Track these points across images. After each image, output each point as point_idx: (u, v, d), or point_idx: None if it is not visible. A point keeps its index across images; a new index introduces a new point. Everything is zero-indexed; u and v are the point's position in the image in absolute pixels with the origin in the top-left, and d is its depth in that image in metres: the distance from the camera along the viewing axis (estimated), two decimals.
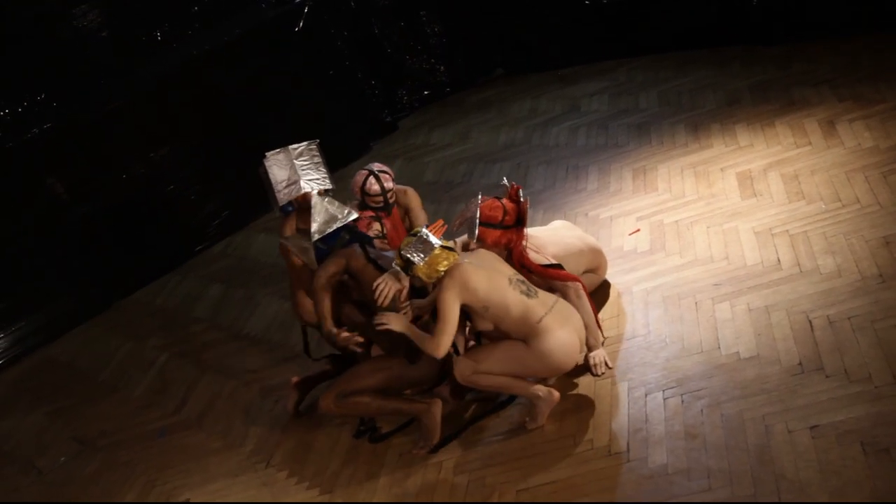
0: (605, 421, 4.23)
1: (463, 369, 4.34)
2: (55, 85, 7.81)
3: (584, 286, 4.68)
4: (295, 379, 5.26)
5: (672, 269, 5.19)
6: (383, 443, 4.72)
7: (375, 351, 4.85)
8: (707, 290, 4.85)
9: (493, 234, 4.58)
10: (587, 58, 9.08)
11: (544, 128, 8.07)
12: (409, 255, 4.27)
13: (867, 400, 3.70)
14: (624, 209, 6.06)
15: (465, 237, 4.92)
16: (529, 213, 6.36)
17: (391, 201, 5.26)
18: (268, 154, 5.10)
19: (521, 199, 4.63)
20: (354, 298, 4.84)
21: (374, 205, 5.19)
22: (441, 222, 4.52)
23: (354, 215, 4.91)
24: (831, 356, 4.02)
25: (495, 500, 4.03)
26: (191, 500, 4.89)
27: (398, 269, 4.37)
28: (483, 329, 4.39)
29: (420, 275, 4.27)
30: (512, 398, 4.61)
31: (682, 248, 5.34)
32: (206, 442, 5.41)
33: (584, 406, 4.38)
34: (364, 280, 4.62)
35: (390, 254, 4.72)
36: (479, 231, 4.56)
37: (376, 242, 4.90)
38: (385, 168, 5.31)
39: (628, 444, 4.02)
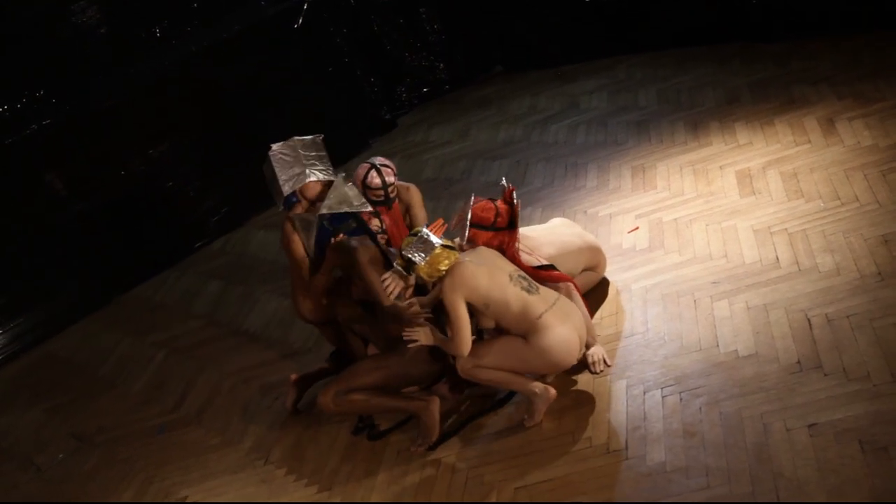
0: (603, 418, 4.23)
1: (464, 362, 4.36)
2: (54, 82, 7.82)
3: (576, 286, 4.67)
4: (294, 376, 5.26)
5: (671, 266, 5.18)
6: (381, 440, 4.72)
7: (372, 350, 4.86)
8: (706, 288, 4.85)
9: (485, 236, 4.55)
10: (586, 55, 9.08)
11: (543, 125, 8.06)
12: (410, 255, 4.29)
13: (865, 398, 3.70)
14: (623, 207, 6.06)
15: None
16: (528, 210, 6.42)
17: (392, 196, 5.26)
18: (273, 146, 5.08)
19: (515, 202, 4.61)
20: (353, 293, 4.84)
21: (374, 198, 5.17)
22: (441, 221, 4.52)
23: (367, 207, 4.90)
24: (830, 354, 4.01)
25: (493, 498, 4.02)
26: (189, 499, 4.89)
27: (400, 268, 4.39)
28: (485, 325, 4.40)
29: (422, 274, 4.31)
30: (510, 395, 4.61)
31: (681, 246, 5.34)
32: (205, 438, 5.41)
33: (583, 403, 4.38)
34: (372, 269, 4.60)
35: (394, 250, 4.73)
36: (470, 232, 4.53)
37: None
38: (387, 162, 5.30)
39: (626, 441, 4.02)
